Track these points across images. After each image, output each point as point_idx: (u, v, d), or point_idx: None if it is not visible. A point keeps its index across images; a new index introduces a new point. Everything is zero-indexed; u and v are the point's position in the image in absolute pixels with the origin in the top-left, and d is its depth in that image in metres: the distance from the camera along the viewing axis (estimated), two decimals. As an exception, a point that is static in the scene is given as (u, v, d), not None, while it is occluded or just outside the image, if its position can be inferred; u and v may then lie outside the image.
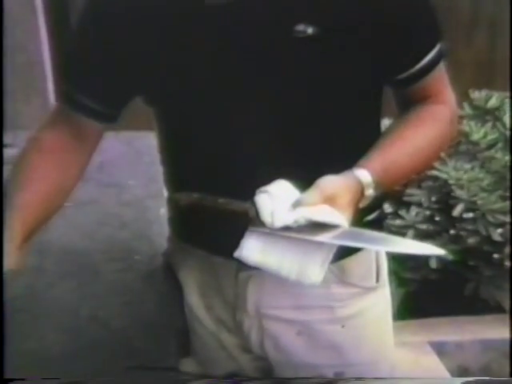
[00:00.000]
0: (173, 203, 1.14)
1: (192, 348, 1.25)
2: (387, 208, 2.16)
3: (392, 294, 1.22)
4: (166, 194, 1.21)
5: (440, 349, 2.15)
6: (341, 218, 0.90)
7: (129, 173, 2.01)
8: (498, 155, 2.30)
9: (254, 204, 0.91)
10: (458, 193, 2.18)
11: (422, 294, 2.26)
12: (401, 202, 2.23)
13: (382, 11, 0.96)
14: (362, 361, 1.16)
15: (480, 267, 2.23)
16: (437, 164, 2.20)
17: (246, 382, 1.17)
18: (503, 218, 2.17)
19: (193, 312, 1.20)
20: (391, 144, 1.01)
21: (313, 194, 0.91)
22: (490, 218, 2.17)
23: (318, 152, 1.02)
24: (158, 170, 1.40)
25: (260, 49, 0.97)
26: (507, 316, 2.18)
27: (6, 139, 2.24)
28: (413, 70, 1.02)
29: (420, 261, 2.17)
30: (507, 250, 2.17)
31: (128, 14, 0.99)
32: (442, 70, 1.05)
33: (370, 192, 0.95)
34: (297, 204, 0.90)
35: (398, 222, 2.19)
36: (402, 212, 2.20)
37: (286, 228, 0.90)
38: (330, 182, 0.92)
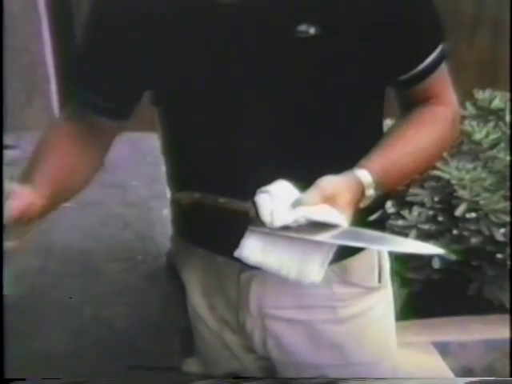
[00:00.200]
0: (174, 203, 1.14)
1: (195, 348, 1.25)
2: (389, 208, 2.16)
3: (395, 294, 1.23)
4: (169, 194, 1.21)
5: (443, 349, 2.14)
6: (340, 217, 0.90)
7: (132, 174, 2.01)
8: (501, 155, 2.30)
9: (254, 204, 0.92)
10: (461, 193, 2.17)
11: (425, 294, 2.26)
12: (403, 202, 2.23)
13: (384, 12, 0.96)
14: (364, 361, 1.17)
15: (483, 267, 2.23)
16: (439, 164, 2.20)
17: (247, 382, 1.18)
18: (506, 218, 2.17)
19: (196, 312, 1.20)
20: (392, 144, 1.01)
21: (313, 193, 0.91)
22: (493, 218, 2.16)
23: (319, 152, 1.03)
24: (161, 171, 1.41)
25: (262, 49, 0.97)
26: (511, 316, 2.18)
27: (9, 141, 2.25)
28: (415, 71, 1.02)
29: (423, 261, 2.17)
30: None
31: (136, 13, 1.00)
32: (444, 72, 1.05)
33: (370, 192, 0.95)
34: (297, 204, 0.91)
35: (400, 222, 2.18)
36: (405, 212, 2.20)
37: (286, 228, 0.91)
38: (330, 182, 0.92)
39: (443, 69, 1.05)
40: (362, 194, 0.95)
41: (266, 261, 0.93)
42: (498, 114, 2.45)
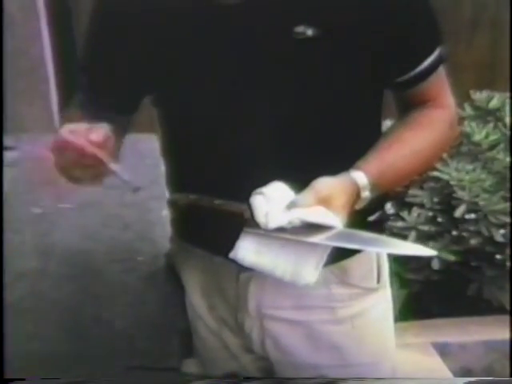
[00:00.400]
0: (172, 204, 1.15)
1: (194, 348, 1.25)
2: (389, 209, 2.17)
3: (394, 295, 1.23)
4: (168, 195, 1.22)
5: (443, 350, 2.15)
6: (335, 219, 0.91)
7: (132, 175, 2.01)
8: (500, 156, 2.30)
9: (249, 205, 0.92)
10: (460, 194, 2.18)
11: (424, 295, 2.26)
12: (402, 203, 2.23)
13: (382, 14, 0.96)
14: (363, 361, 1.17)
15: (483, 268, 2.23)
16: (439, 165, 2.20)
17: (245, 382, 1.18)
18: (505, 219, 2.17)
19: (195, 312, 1.20)
20: (389, 146, 1.02)
21: (307, 195, 0.92)
22: (492, 219, 2.17)
23: (315, 153, 1.03)
24: (161, 172, 1.41)
25: (260, 50, 0.98)
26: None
27: (9, 142, 2.25)
28: (412, 74, 1.02)
29: (422, 262, 2.17)
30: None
31: (138, 14, 1.01)
32: (442, 75, 1.05)
33: (365, 194, 0.96)
34: (291, 205, 0.91)
35: (399, 223, 2.19)
36: (404, 213, 2.20)
37: (281, 229, 0.91)
38: (325, 184, 0.93)
39: (441, 72, 1.05)
40: (358, 195, 0.95)
41: (260, 262, 0.93)
42: (495, 115, 2.45)
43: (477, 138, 2.34)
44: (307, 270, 0.92)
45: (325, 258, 0.93)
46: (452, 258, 2.16)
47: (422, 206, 2.23)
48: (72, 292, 1.48)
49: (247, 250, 0.93)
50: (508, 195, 2.20)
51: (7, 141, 2.22)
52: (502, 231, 2.17)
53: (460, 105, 2.25)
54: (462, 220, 2.18)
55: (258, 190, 0.93)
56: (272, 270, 0.93)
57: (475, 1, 3.13)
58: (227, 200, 0.95)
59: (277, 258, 0.93)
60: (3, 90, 2.31)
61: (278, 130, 1.01)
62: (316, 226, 0.90)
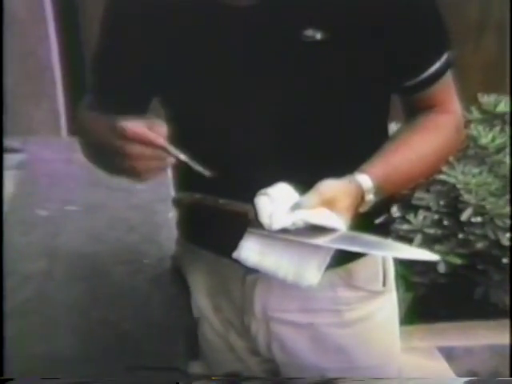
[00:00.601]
0: (177, 203, 1.15)
1: (200, 350, 1.25)
2: (395, 212, 2.16)
3: (400, 298, 1.22)
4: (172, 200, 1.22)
5: (449, 354, 2.14)
6: (339, 221, 0.91)
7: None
8: (507, 159, 2.30)
9: (253, 205, 0.92)
10: (467, 197, 2.17)
11: (430, 299, 2.25)
12: (409, 206, 2.23)
13: (390, 19, 0.96)
14: (368, 364, 1.17)
15: (489, 271, 2.22)
16: (445, 168, 2.20)
17: (247, 382, 1.18)
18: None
19: (201, 314, 1.20)
20: (395, 150, 1.02)
21: (312, 197, 0.92)
22: (499, 223, 2.16)
23: (320, 155, 1.03)
24: (166, 174, 1.41)
25: (269, 52, 0.98)
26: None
27: (16, 144, 2.26)
28: (420, 78, 1.02)
29: (428, 265, 2.17)
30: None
31: (149, 17, 1.01)
32: (449, 80, 1.05)
33: (370, 197, 0.96)
34: (296, 207, 0.91)
35: (405, 226, 2.18)
36: (410, 216, 2.20)
37: (285, 230, 0.91)
38: (330, 186, 0.93)
39: (448, 77, 1.05)
40: (362, 198, 0.95)
41: (263, 263, 0.93)
42: (503, 118, 2.45)
43: (483, 141, 2.33)
44: (310, 271, 0.92)
45: (328, 260, 0.93)
46: (458, 261, 2.15)
47: (428, 208, 2.22)
48: (78, 294, 1.48)
49: (251, 251, 0.93)
50: (514, 199, 2.20)
51: (14, 143, 2.23)
52: (508, 235, 2.16)
53: (467, 108, 2.25)
54: (469, 223, 2.17)
55: (263, 191, 0.93)
56: (275, 270, 0.93)
57: (481, 3, 3.12)
58: (232, 200, 0.95)
59: (280, 258, 0.93)
60: (10, 93, 2.32)
61: (285, 132, 1.01)
62: (320, 228, 0.91)
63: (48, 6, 2.56)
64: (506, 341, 2.13)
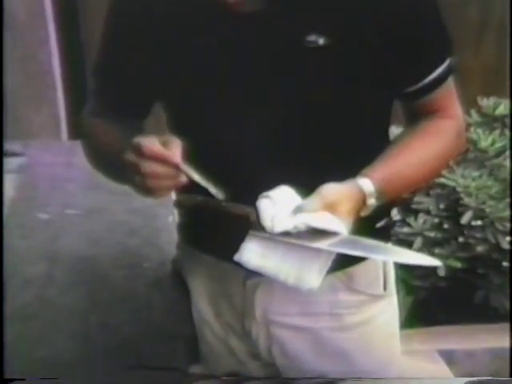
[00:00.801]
0: (178, 205, 1.15)
1: (201, 354, 1.25)
2: (395, 215, 2.16)
3: (400, 301, 1.22)
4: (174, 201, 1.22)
5: (449, 357, 2.14)
6: (340, 225, 0.91)
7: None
8: (507, 163, 2.30)
9: (255, 208, 0.92)
10: (467, 200, 2.17)
11: (430, 302, 2.25)
12: (409, 210, 2.23)
13: (393, 24, 0.97)
14: (369, 368, 1.17)
15: (489, 275, 2.22)
16: (445, 171, 2.20)
17: (247, 382, 1.18)
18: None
19: (202, 318, 1.20)
20: (396, 155, 1.02)
21: (314, 200, 0.92)
22: (499, 226, 2.16)
23: (324, 160, 1.03)
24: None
25: (271, 57, 0.98)
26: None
27: (17, 148, 2.26)
28: (421, 84, 1.02)
29: (429, 268, 2.16)
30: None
31: (151, 21, 1.02)
32: (450, 85, 1.06)
33: (371, 201, 0.96)
34: (298, 210, 0.91)
35: (405, 229, 2.18)
36: (410, 219, 2.20)
37: (286, 233, 0.91)
38: (332, 190, 0.93)
39: (450, 82, 1.05)
40: (364, 202, 0.95)
41: (265, 265, 0.94)
42: (502, 121, 2.45)
43: (483, 144, 2.33)
44: (311, 274, 0.92)
45: (329, 263, 0.93)
46: (458, 264, 2.15)
47: (428, 212, 2.22)
48: (78, 298, 1.48)
49: (252, 253, 0.94)
50: (515, 202, 2.20)
51: (15, 147, 2.23)
52: (508, 238, 2.16)
53: (466, 111, 2.25)
54: (469, 226, 2.17)
55: (265, 194, 0.93)
56: (276, 273, 0.94)
57: (482, 6, 3.13)
58: (233, 202, 0.95)
59: (281, 261, 0.93)
60: (11, 96, 2.32)
61: (288, 135, 1.02)
62: (321, 232, 0.91)
63: (48, 10, 2.56)
64: (507, 344, 2.13)
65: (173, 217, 1.75)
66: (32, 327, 1.38)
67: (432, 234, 2.18)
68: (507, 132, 2.40)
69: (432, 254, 2.12)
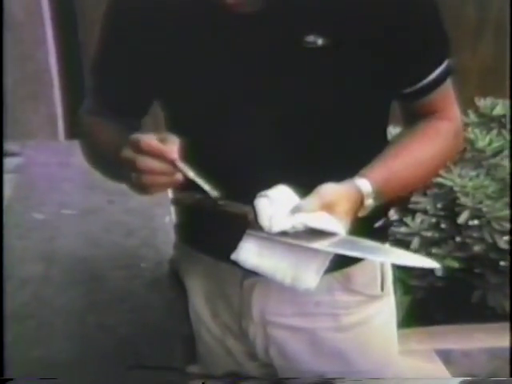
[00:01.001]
0: (175, 203, 1.15)
1: (198, 355, 1.25)
2: (392, 215, 2.16)
3: (398, 301, 1.22)
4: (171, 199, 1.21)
5: (446, 357, 2.14)
6: (338, 225, 0.91)
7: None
8: (504, 162, 2.30)
9: (253, 207, 0.92)
10: (464, 200, 2.17)
11: (428, 302, 2.25)
12: (406, 209, 2.23)
13: (392, 25, 0.97)
14: (366, 368, 1.17)
15: (486, 275, 2.22)
16: (442, 171, 2.20)
17: (246, 382, 1.18)
18: (509, 226, 2.17)
19: (199, 319, 1.20)
20: (394, 155, 1.02)
21: (312, 200, 0.92)
22: (496, 226, 2.16)
23: (322, 160, 1.03)
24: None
25: (270, 58, 0.98)
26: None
27: (14, 148, 2.26)
28: (420, 85, 1.02)
29: (426, 268, 2.16)
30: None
31: (150, 21, 1.02)
32: (449, 87, 1.06)
33: (369, 202, 0.96)
34: (295, 210, 0.91)
35: (403, 229, 2.18)
36: (408, 219, 2.20)
37: (284, 233, 0.91)
38: (330, 190, 0.93)
39: (448, 84, 1.05)
40: (361, 203, 0.95)
41: (262, 265, 0.93)
42: (500, 122, 2.45)
43: (480, 144, 2.34)
44: (308, 274, 0.92)
45: (327, 263, 0.93)
46: (456, 264, 2.15)
47: (425, 212, 2.23)
48: (75, 298, 1.48)
49: (249, 252, 0.93)
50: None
51: (12, 147, 2.23)
52: (505, 238, 2.17)
53: (464, 111, 2.25)
54: (466, 226, 2.18)
55: (263, 193, 0.93)
56: (273, 273, 0.93)
57: (480, 6, 3.13)
58: (231, 201, 0.95)
59: (278, 261, 0.93)
60: (8, 96, 2.31)
61: (286, 135, 1.02)
62: (319, 232, 0.91)
63: (46, 10, 2.56)
64: (504, 344, 2.13)
65: (170, 217, 1.75)
66: (29, 327, 1.38)
67: (429, 234, 2.19)
68: (504, 132, 2.41)
69: (429, 254, 2.13)
